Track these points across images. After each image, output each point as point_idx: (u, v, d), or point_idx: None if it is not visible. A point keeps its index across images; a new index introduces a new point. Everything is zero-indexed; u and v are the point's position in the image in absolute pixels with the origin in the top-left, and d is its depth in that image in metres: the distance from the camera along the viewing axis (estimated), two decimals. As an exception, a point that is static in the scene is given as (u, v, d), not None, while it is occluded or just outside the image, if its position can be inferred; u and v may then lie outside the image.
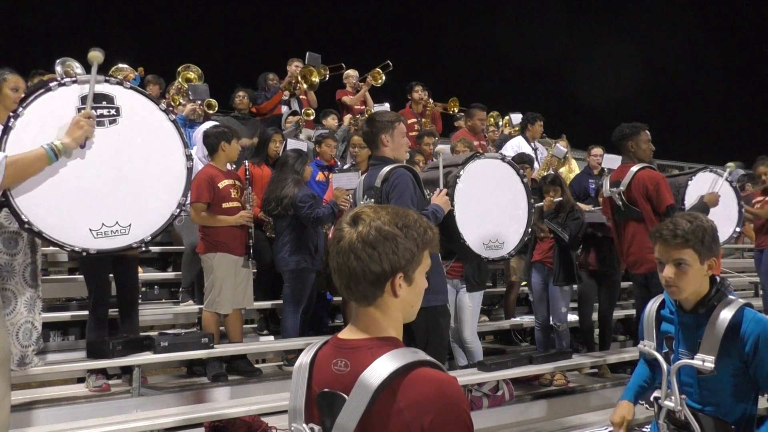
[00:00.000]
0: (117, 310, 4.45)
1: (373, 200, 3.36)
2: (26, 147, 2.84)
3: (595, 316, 5.76)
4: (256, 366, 4.97)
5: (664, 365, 2.35)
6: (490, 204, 3.88)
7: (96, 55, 2.98)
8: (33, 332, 3.64)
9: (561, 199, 5.14)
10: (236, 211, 4.72)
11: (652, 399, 2.47)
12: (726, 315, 2.20)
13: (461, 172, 3.72)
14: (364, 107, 8.54)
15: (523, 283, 6.45)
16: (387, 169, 3.39)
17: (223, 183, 4.72)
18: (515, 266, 6.07)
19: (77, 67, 6.37)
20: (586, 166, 7.74)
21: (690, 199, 4.77)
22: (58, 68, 6.47)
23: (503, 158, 4.08)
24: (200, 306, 5.00)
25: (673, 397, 2.30)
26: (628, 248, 4.53)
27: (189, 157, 3.31)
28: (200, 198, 4.56)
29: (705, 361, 2.20)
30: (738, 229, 5.16)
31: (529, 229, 4.02)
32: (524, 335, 6.58)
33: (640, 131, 4.53)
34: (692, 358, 2.25)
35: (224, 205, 4.68)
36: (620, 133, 4.62)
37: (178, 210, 3.27)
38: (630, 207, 4.44)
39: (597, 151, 7.35)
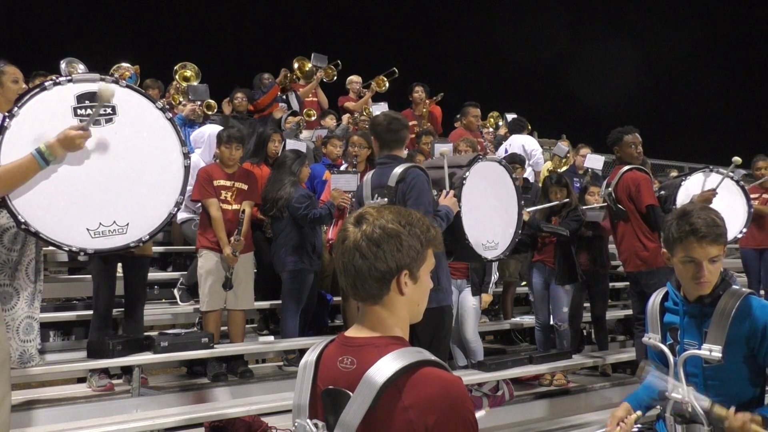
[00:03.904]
0: (121, 309, 4.45)
1: (386, 199, 3.37)
2: (22, 147, 2.82)
3: (587, 316, 5.80)
4: (257, 366, 4.96)
5: (670, 357, 2.35)
6: (489, 205, 3.92)
7: (104, 93, 2.94)
8: (34, 326, 3.65)
9: (568, 200, 5.15)
10: (225, 213, 4.67)
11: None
12: (732, 304, 2.21)
13: (467, 174, 3.72)
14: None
15: (523, 283, 6.47)
16: (401, 168, 3.40)
17: (218, 182, 4.72)
18: (511, 266, 6.08)
19: (81, 68, 6.40)
20: (571, 164, 7.82)
21: (682, 199, 4.83)
22: (63, 66, 6.51)
23: (500, 161, 4.15)
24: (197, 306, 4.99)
25: (680, 389, 2.29)
26: (619, 246, 4.70)
27: (186, 156, 3.29)
28: (202, 196, 4.62)
29: (712, 351, 2.19)
30: (745, 230, 5.14)
31: (519, 231, 4.10)
32: (524, 335, 6.58)
33: (623, 136, 4.72)
34: (698, 349, 2.25)
35: None
36: (609, 139, 4.86)
37: (175, 209, 3.26)
38: (619, 207, 4.63)
39: (584, 151, 7.41)
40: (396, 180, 3.37)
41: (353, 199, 5.00)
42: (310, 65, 8.29)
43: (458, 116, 9.10)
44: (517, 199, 4.08)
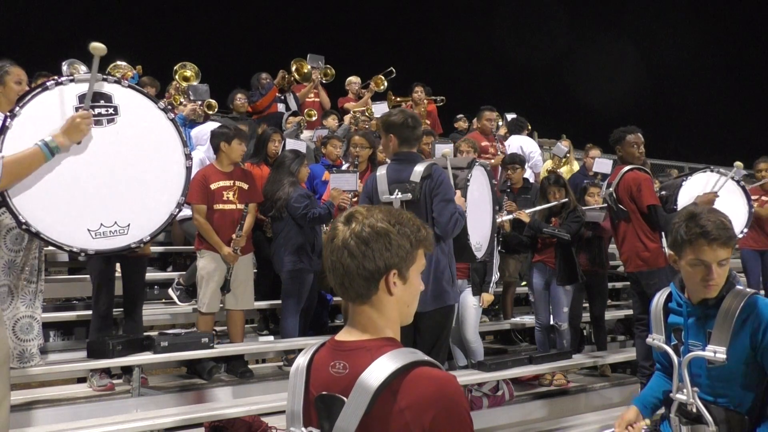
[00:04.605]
0: (121, 309, 4.45)
1: (409, 194, 3.40)
2: (23, 147, 2.82)
3: (587, 316, 5.80)
4: (257, 366, 4.95)
5: (675, 358, 2.35)
6: (478, 208, 4.00)
7: (97, 47, 2.87)
8: (34, 325, 3.65)
9: (566, 200, 5.15)
10: (229, 213, 4.67)
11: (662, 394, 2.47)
12: (736, 305, 2.20)
13: (470, 176, 3.80)
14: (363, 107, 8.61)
15: (523, 283, 6.47)
16: (425, 165, 3.45)
17: (217, 184, 4.67)
18: (511, 267, 6.08)
19: (83, 69, 6.40)
20: (581, 166, 7.81)
21: (683, 200, 4.82)
22: (65, 68, 6.50)
23: (485, 165, 4.23)
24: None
25: (684, 390, 2.29)
26: (620, 247, 4.69)
27: (188, 156, 3.28)
28: (191, 199, 4.50)
29: (717, 352, 2.19)
30: (745, 230, 5.13)
31: (495, 235, 4.23)
32: (524, 335, 6.58)
33: (625, 135, 4.71)
34: (703, 349, 2.24)
35: (215, 206, 4.64)
36: (611, 139, 4.85)
37: (177, 210, 3.25)
38: (620, 207, 4.61)
39: (594, 152, 7.40)
40: (421, 176, 3.40)
41: (354, 198, 5.02)
42: (308, 67, 8.29)
43: (458, 117, 9.14)
44: (492, 204, 4.19)
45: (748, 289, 2.28)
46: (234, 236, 4.60)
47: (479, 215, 4.00)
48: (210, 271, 4.60)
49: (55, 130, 2.83)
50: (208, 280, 4.60)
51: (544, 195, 5.27)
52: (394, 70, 8.87)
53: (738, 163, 4.91)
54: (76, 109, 2.97)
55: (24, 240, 3.53)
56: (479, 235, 3.96)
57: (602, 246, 5.54)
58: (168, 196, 3.23)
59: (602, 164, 6.75)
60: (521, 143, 7.70)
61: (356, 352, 1.43)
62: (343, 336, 1.50)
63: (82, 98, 3.00)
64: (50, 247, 3.25)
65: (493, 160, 6.52)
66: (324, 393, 1.44)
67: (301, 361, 1.54)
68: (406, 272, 1.47)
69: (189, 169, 3.29)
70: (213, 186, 4.66)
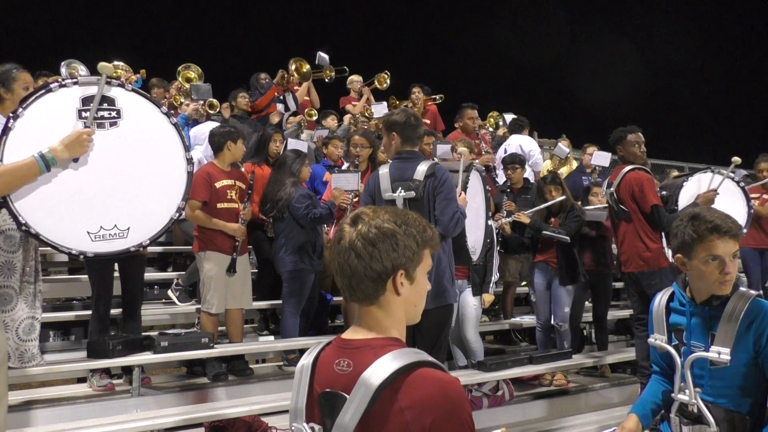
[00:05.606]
0: (120, 309, 4.45)
1: (413, 193, 3.43)
2: (25, 148, 2.82)
3: (587, 316, 5.80)
4: (257, 366, 4.95)
5: (677, 358, 2.35)
6: (472, 211, 4.01)
7: (105, 66, 2.93)
8: (36, 326, 3.67)
9: (564, 197, 5.15)
10: (233, 212, 4.68)
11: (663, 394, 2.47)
12: (741, 306, 2.21)
13: (469, 178, 3.86)
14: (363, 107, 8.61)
15: (523, 283, 6.47)
16: (428, 164, 3.49)
17: (221, 183, 4.68)
18: (512, 267, 6.09)
19: (82, 69, 6.39)
20: (579, 163, 7.82)
21: (684, 200, 4.81)
22: (63, 69, 6.49)
23: (481, 171, 4.27)
24: (199, 306, 4.99)
25: (687, 390, 2.29)
26: (620, 247, 4.67)
27: (189, 161, 3.30)
28: (195, 195, 4.47)
29: (721, 353, 2.20)
30: (744, 231, 5.14)
31: (488, 240, 4.30)
32: (524, 335, 6.59)
33: (626, 135, 4.69)
34: (706, 350, 2.25)
35: (219, 206, 4.64)
36: (611, 138, 4.82)
37: (177, 214, 3.26)
38: (621, 207, 4.58)
39: (592, 149, 7.40)
40: (425, 174, 3.43)
41: (355, 199, 5.02)
42: (307, 67, 8.28)
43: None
44: (486, 209, 4.22)
45: (752, 291, 2.29)
46: (241, 207, 4.67)
47: (474, 219, 4.03)
48: (217, 271, 4.59)
49: (55, 141, 2.83)
50: (217, 280, 4.59)
51: (541, 195, 5.27)
52: (388, 73, 8.92)
53: (735, 159, 4.88)
54: (79, 111, 2.98)
55: (17, 240, 3.53)
56: (474, 238, 4.00)
57: (606, 245, 5.53)
58: (168, 201, 3.24)
59: (600, 157, 6.74)
60: (521, 142, 7.69)
61: (361, 350, 1.44)
62: (349, 334, 1.51)
63: (85, 101, 3.00)
64: (48, 248, 3.25)
65: (478, 161, 6.49)
66: (327, 390, 1.45)
67: (307, 359, 1.55)
68: (413, 272, 1.48)
69: (190, 174, 3.30)
70: (218, 185, 4.66)
